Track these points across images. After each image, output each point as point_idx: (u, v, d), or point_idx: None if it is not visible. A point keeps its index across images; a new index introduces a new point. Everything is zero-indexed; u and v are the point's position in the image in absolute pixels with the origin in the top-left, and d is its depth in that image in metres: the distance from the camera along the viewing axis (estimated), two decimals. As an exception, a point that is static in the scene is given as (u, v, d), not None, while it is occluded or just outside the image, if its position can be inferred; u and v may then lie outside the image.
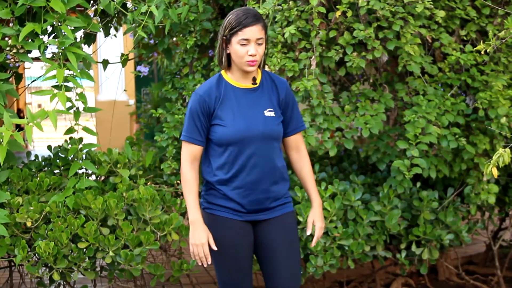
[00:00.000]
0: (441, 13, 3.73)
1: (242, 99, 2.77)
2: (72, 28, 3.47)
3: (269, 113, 2.78)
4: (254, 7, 2.94)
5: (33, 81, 4.16)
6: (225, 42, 2.73)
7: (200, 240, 2.71)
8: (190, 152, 2.77)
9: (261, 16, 2.74)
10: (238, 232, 2.79)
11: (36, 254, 3.45)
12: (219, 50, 2.77)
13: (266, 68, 3.63)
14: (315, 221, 2.91)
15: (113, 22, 4.19)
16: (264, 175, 2.77)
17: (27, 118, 3.21)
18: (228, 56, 2.76)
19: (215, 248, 2.72)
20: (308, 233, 2.91)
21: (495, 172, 2.91)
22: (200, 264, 2.74)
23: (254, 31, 2.67)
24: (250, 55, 2.68)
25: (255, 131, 2.74)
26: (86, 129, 3.66)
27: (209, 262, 2.72)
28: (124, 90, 6.07)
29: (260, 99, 2.79)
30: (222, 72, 2.81)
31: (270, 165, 2.78)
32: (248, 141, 2.73)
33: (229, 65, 2.79)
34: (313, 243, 2.95)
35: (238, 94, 2.77)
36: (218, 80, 2.79)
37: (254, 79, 2.79)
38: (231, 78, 2.79)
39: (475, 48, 3.53)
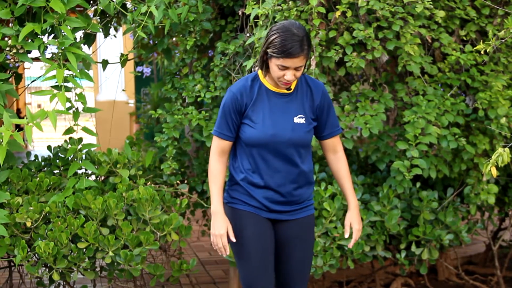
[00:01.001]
0: (441, 13, 3.73)
1: (274, 103, 2.76)
2: (72, 28, 3.47)
3: (299, 119, 2.77)
4: (300, 36, 2.68)
5: (33, 81, 4.16)
6: (265, 55, 2.70)
7: (219, 230, 2.73)
8: (219, 146, 2.80)
9: (309, 40, 2.66)
10: (259, 223, 2.80)
11: (36, 254, 3.45)
12: (261, 56, 2.73)
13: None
14: (352, 224, 2.91)
15: (112, 23, 4.19)
16: (288, 179, 2.79)
17: (26, 118, 3.21)
18: (267, 64, 2.73)
19: (233, 239, 2.75)
20: (346, 235, 2.91)
21: (494, 172, 2.91)
22: (220, 254, 2.77)
23: (295, 62, 2.63)
24: (286, 80, 2.66)
25: (282, 137, 2.74)
26: (85, 129, 3.66)
27: (228, 253, 2.75)
28: (123, 90, 6.06)
29: (292, 105, 2.77)
30: (259, 72, 2.79)
31: (295, 170, 2.79)
32: (274, 145, 2.74)
33: (267, 69, 2.76)
34: (351, 245, 2.95)
35: (271, 97, 2.76)
36: (253, 79, 2.78)
37: (288, 87, 2.78)
38: (267, 80, 2.78)
39: (474, 48, 3.53)
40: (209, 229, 4.21)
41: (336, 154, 2.94)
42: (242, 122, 2.77)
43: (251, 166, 2.78)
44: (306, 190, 2.87)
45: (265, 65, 2.74)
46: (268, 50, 2.66)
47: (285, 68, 2.63)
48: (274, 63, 2.65)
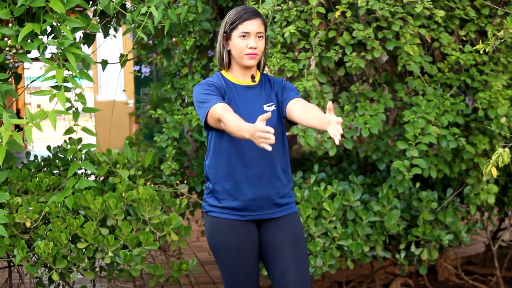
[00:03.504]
0: (441, 13, 3.73)
1: (242, 94, 2.79)
2: (71, 28, 3.47)
3: (269, 107, 2.80)
4: (253, 7, 2.95)
5: (33, 81, 4.16)
6: (225, 38, 2.77)
7: (250, 129, 2.43)
8: (218, 109, 2.61)
9: (260, 13, 2.78)
10: (241, 232, 2.77)
11: (35, 255, 3.45)
12: (219, 49, 2.80)
13: (266, 69, 3.63)
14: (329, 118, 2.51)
15: (112, 23, 4.19)
16: (265, 170, 2.75)
17: (26, 119, 3.21)
18: (229, 53, 2.79)
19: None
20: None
21: (495, 172, 2.91)
22: (268, 139, 2.37)
23: (254, 25, 2.71)
24: (251, 48, 2.71)
25: None
26: (85, 129, 3.66)
27: (272, 138, 2.36)
28: (123, 90, 6.07)
29: (260, 95, 2.81)
30: (222, 71, 2.84)
31: (271, 161, 2.75)
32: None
33: (229, 64, 2.81)
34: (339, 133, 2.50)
35: (239, 90, 2.79)
36: (218, 78, 2.81)
37: (252, 76, 2.82)
38: (231, 75, 2.82)
39: (474, 48, 3.53)
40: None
41: (304, 106, 2.72)
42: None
43: (225, 160, 2.74)
44: (286, 184, 2.82)
45: (226, 56, 2.79)
46: (225, 29, 2.75)
47: (247, 34, 2.70)
48: (235, 37, 2.72)
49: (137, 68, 4.79)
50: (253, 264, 2.80)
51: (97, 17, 3.93)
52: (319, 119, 2.54)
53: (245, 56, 2.73)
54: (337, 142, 2.38)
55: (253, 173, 2.74)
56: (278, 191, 2.80)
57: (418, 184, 3.90)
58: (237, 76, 2.81)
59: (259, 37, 2.74)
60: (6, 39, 3.50)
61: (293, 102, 2.76)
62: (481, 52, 3.28)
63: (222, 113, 2.60)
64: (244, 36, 2.71)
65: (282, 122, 2.84)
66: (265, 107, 2.79)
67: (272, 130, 2.36)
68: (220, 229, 2.78)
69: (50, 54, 3.66)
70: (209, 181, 2.82)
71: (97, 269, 3.60)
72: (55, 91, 3.38)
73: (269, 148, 2.37)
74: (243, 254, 2.77)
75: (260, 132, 2.35)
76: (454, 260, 4.79)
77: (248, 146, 2.71)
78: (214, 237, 2.79)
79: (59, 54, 3.44)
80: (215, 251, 2.82)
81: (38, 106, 22.25)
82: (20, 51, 3.47)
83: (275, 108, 2.81)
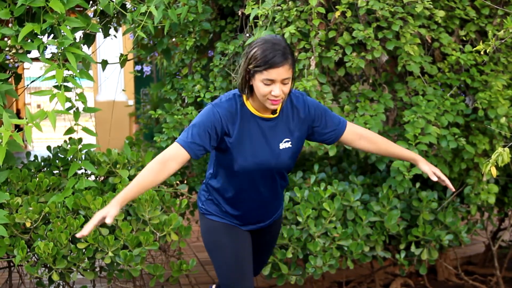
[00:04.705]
0: (441, 13, 3.73)
1: (259, 129, 2.62)
2: (71, 28, 3.47)
3: (285, 144, 2.66)
4: (283, 44, 2.55)
5: (33, 81, 4.16)
6: (248, 74, 2.53)
7: (101, 211, 2.47)
8: (176, 154, 2.54)
9: (291, 51, 2.51)
10: (238, 233, 2.82)
11: (35, 255, 3.45)
12: (241, 79, 2.56)
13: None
14: (427, 167, 2.89)
15: (112, 23, 4.19)
16: (270, 201, 2.81)
17: (26, 119, 3.21)
18: (251, 86, 2.57)
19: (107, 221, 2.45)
20: (435, 178, 2.86)
21: (494, 172, 2.91)
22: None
23: (280, 72, 2.46)
24: (274, 96, 2.49)
25: (268, 165, 2.66)
26: (85, 129, 3.65)
27: (84, 235, 2.45)
28: (123, 90, 6.06)
29: (278, 130, 2.65)
30: (244, 97, 2.62)
31: (273, 190, 2.80)
32: (258, 171, 2.68)
33: (251, 92, 2.60)
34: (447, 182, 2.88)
35: (255, 123, 2.61)
36: (236, 103, 2.60)
37: (274, 111, 2.65)
38: (252, 105, 2.61)
39: (474, 48, 3.53)
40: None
41: (362, 138, 2.82)
42: (224, 148, 2.61)
43: (229, 184, 2.71)
44: (280, 201, 2.93)
45: (247, 88, 2.56)
46: (249, 67, 2.49)
47: (271, 82, 2.46)
48: (258, 80, 2.48)
49: (138, 68, 4.79)
50: (248, 265, 2.82)
51: (97, 17, 3.93)
52: (405, 158, 2.94)
53: (267, 100, 2.52)
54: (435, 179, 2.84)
55: (258, 205, 2.80)
56: (277, 209, 2.93)
57: (418, 184, 3.90)
58: (257, 107, 2.61)
59: (285, 84, 2.50)
60: (6, 39, 3.50)
61: (347, 138, 2.79)
62: (481, 52, 3.27)
63: (158, 158, 2.50)
64: (268, 84, 2.48)
65: (297, 156, 2.76)
66: (282, 145, 2.65)
67: (84, 233, 2.42)
68: (217, 229, 2.80)
69: (50, 54, 3.66)
70: (210, 194, 2.84)
71: (97, 269, 3.60)
72: (55, 91, 3.38)
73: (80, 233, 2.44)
74: (239, 255, 2.79)
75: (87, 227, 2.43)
76: (454, 260, 4.79)
77: (262, 183, 2.73)
78: (210, 237, 2.81)
79: (59, 54, 3.44)
80: (211, 251, 2.83)
81: (38, 106, 22.24)
82: (20, 51, 3.47)
83: (290, 146, 2.67)
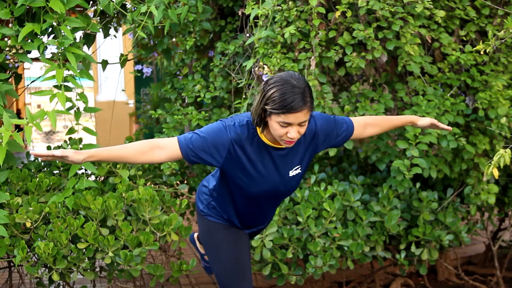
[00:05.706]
0: (441, 13, 3.73)
1: (271, 158, 2.56)
2: (72, 28, 3.47)
3: (294, 171, 2.62)
4: (302, 88, 2.42)
5: (33, 81, 4.15)
6: (264, 113, 2.41)
7: (66, 151, 2.33)
8: (169, 146, 2.46)
9: (310, 92, 2.38)
10: (237, 233, 2.83)
11: (36, 255, 3.45)
12: (257, 112, 2.43)
13: (266, 69, 3.63)
14: (426, 120, 2.97)
15: (112, 23, 4.19)
16: (267, 211, 2.83)
17: (26, 119, 3.21)
18: (266, 122, 2.46)
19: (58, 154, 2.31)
20: (440, 125, 2.96)
21: (496, 173, 2.91)
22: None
23: (298, 116, 2.35)
24: (290, 137, 2.40)
25: (277, 192, 2.67)
26: (86, 129, 3.66)
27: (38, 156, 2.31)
28: (123, 90, 6.06)
29: (289, 158, 2.59)
30: (257, 129, 2.51)
31: (276, 204, 2.83)
32: (263, 196, 2.68)
33: (265, 125, 2.48)
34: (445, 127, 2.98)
35: (267, 152, 2.54)
36: (248, 132, 2.50)
37: None
38: (265, 136, 2.52)
39: (474, 48, 3.53)
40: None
41: (367, 126, 2.81)
42: (231, 172, 2.55)
43: (233, 202, 2.71)
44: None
45: (262, 122, 2.45)
46: (266, 107, 2.37)
47: (288, 124, 2.36)
48: (274, 121, 2.37)
49: (139, 67, 4.79)
50: (247, 265, 2.82)
51: (97, 17, 3.93)
52: (405, 123, 2.96)
53: (282, 139, 2.43)
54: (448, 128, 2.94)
55: (259, 215, 2.82)
56: (275, 212, 3.01)
57: (418, 184, 3.90)
58: (270, 139, 2.52)
59: (302, 125, 2.40)
60: (6, 39, 3.50)
61: (358, 129, 2.78)
62: (482, 52, 3.28)
63: (151, 141, 2.44)
64: (284, 127, 2.37)
65: (301, 178, 2.74)
66: (291, 172, 2.61)
67: (41, 156, 2.27)
68: (216, 230, 2.81)
69: (50, 54, 3.66)
70: (213, 200, 2.84)
71: (97, 269, 3.60)
72: (55, 91, 3.38)
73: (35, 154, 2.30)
74: (238, 256, 2.80)
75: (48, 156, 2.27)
76: (454, 260, 4.79)
77: (267, 203, 2.75)
78: (209, 238, 2.82)
79: (59, 54, 3.44)
80: (210, 251, 2.83)
81: (38, 106, 22.22)
82: (20, 51, 3.47)
83: (300, 171, 2.64)
